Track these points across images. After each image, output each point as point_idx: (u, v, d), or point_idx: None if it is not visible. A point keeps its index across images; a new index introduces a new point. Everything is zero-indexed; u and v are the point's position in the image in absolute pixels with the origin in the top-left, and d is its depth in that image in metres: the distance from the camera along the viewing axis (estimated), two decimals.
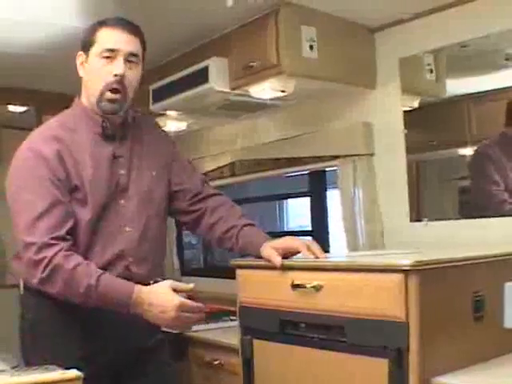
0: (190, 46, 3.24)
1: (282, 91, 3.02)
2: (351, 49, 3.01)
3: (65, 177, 2.02)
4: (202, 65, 3.05)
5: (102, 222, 2.08)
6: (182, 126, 3.67)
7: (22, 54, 3.28)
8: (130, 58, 2.09)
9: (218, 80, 3.01)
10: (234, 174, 3.95)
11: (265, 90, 2.99)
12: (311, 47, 2.82)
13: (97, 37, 2.09)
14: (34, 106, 4.13)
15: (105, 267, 2.02)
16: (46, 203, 1.96)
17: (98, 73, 2.08)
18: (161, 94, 3.30)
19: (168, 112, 3.46)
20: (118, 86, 2.08)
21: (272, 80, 2.87)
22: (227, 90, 3.05)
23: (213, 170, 3.94)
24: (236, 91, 3.04)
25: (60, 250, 1.93)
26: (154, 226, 2.21)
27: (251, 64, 2.86)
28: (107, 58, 2.07)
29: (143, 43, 2.16)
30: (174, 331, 2.08)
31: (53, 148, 2.02)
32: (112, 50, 2.07)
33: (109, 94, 2.08)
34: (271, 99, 3.16)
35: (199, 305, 1.98)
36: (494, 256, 2.07)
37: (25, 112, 4.22)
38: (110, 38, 2.08)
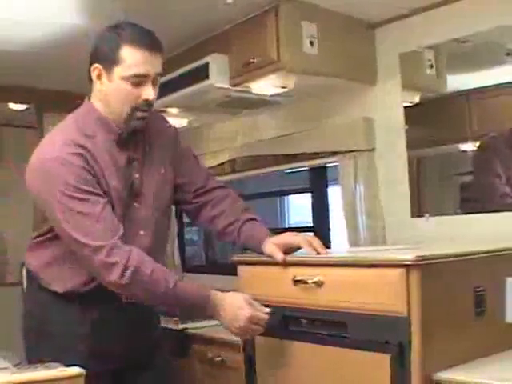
0: (191, 42, 3.24)
1: (283, 87, 3.02)
2: (351, 44, 3.01)
3: (97, 183, 2.01)
4: (202, 61, 3.05)
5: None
6: (182, 122, 3.67)
7: (23, 52, 3.28)
8: (156, 79, 2.06)
9: (219, 76, 3.01)
10: (234, 171, 3.95)
11: (265, 86, 2.99)
12: (311, 43, 2.82)
13: (121, 56, 1.99)
14: (35, 103, 4.13)
15: None
16: (98, 207, 1.96)
17: (124, 95, 2.02)
18: (161, 91, 3.26)
19: (168, 109, 3.46)
20: (147, 107, 2.06)
21: (272, 76, 2.87)
22: (227, 86, 3.05)
23: (213, 167, 3.93)
24: (236, 88, 3.05)
25: (131, 251, 1.95)
26: (161, 224, 2.22)
27: (251, 60, 2.86)
28: (135, 82, 2.01)
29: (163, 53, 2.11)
30: (238, 338, 2.15)
31: (80, 155, 1.99)
32: (141, 76, 2.01)
33: (139, 114, 2.05)
34: (272, 95, 3.16)
35: (266, 313, 2.05)
36: (496, 251, 2.07)
37: (25, 110, 4.22)
38: (138, 61, 1.99)
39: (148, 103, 2.05)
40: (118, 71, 2.00)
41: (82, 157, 1.99)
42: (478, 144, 2.75)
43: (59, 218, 1.96)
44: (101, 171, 2.03)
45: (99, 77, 2.04)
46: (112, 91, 2.04)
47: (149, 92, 2.03)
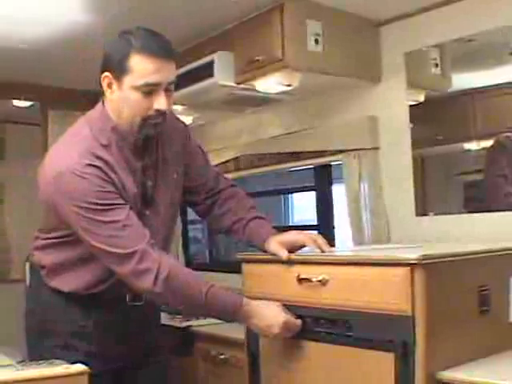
0: (196, 40, 3.24)
1: (287, 85, 3.02)
2: (356, 43, 3.01)
3: (118, 192, 1.98)
4: (207, 59, 3.05)
5: None
6: (187, 120, 3.66)
7: (28, 49, 3.28)
8: (169, 87, 1.98)
9: (224, 74, 3.01)
10: (238, 169, 3.95)
11: (270, 84, 2.99)
12: (316, 41, 2.82)
13: (131, 64, 1.91)
14: (39, 101, 4.14)
15: None
16: (121, 215, 1.93)
17: (136, 105, 1.95)
18: None
19: (173, 106, 3.46)
20: (161, 117, 1.99)
21: (277, 74, 2.87)
22: (232, 84, 3.05)
23: (217, 165, 3.93)
24: (241, 85, 3.05)
25: (161, 256, 1.93)
26: (169, 228, 2.22)
27: (256, 58, 2.86)
28: (146, 91, 1.94)
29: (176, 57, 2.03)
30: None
31: (98, 167, 1.94)
32: (152, 85, 1.92)
33: (151, 122, 1.98)
34: (276, 94, 3.16)
35: (298, 322, 2.08)
36: (500, 250, 2.07)
37: (29, 107, 4.22)
38: (148, 70, 1.91)
39: (160, 113, 1.97)
40: (128, 80, 1.93)
41: (100, 168, 1.94)
42: (491, 142, 2.74)
43: (84, 232, 1.93)
44: (120, 180, 1.99)
45: (110, 86, 1.98)
46: (122, 101, 1.97)
47: (161, 101, 1.95)
